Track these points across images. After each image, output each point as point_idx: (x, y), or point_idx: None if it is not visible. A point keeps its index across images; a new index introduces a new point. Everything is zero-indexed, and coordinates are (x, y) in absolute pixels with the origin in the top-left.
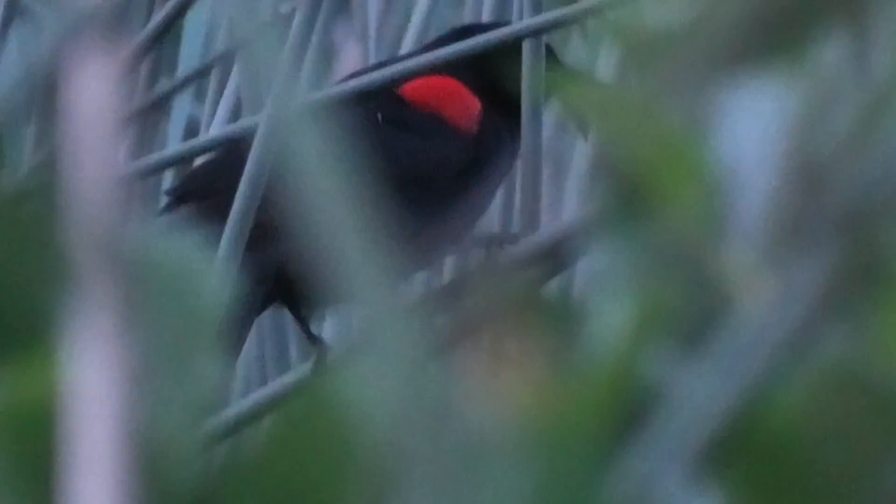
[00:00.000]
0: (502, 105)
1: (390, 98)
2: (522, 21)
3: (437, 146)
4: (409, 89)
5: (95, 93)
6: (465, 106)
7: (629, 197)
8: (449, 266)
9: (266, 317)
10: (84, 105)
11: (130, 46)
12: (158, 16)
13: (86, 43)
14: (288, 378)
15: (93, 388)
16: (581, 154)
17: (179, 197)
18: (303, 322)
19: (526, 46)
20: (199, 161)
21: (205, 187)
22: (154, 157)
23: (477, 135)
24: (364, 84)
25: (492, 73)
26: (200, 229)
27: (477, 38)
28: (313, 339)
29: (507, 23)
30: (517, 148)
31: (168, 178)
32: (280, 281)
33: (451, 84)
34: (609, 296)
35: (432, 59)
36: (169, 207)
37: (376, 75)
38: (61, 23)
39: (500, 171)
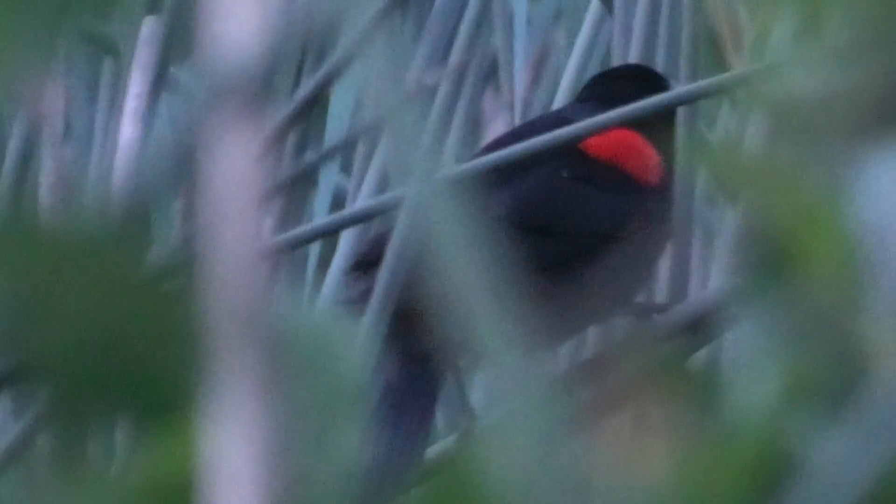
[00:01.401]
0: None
1: (574, 154)
2: (680, 88)
3: (624, 200)
4: (592, 144)
5: (237, 164)
6: (646, 159)
7: (774, 264)
8: (595, 336)
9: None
10: (226, 176)
11: (276, 118)
12: (305, 87)
13: (228, 114)
14: (435, 449)
15: (234, 458)
16: (730, 224)
17: (364, 265)
18: (457, 390)
19: (681, 112)
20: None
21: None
22: (301, 230)
23: (658, 188)
24: (528, 147)
25: (654, 132)
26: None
27: (636, 105)
28: (465, 409)
29: (647, 69)
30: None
31: (315, 250)
32: (432, 352)
33: (632, 137)
34: (753, 364)
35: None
36: (355, 274)
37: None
38: (205, 94)
39: (672, 228)
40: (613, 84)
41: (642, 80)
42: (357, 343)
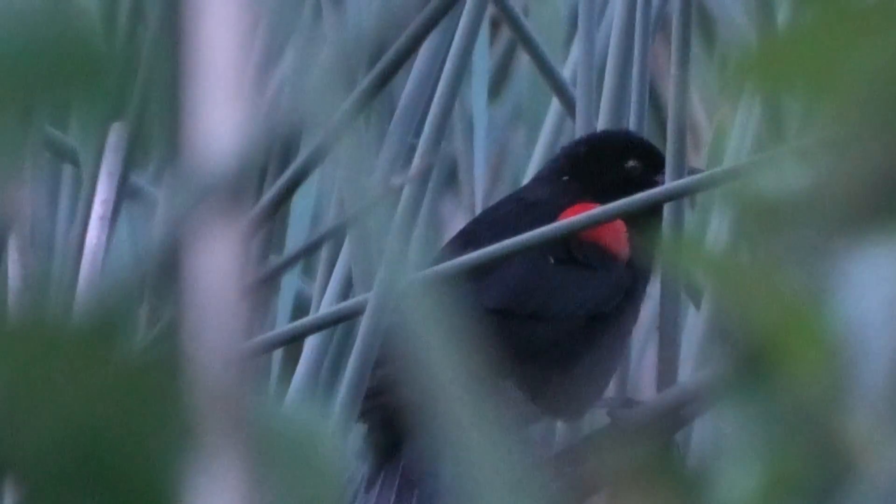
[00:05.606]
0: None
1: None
2: (665, 185)
3: (606, 276)
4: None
5: (222, 261)
6: (616, 229)
7: (751, 361)
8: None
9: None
10: (210, 274)
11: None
12: (268, 194)
13: (212, 214)
14: None
15: None
16: (693, 319)
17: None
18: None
19: (667, 209)
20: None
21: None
22: (263, 338)
23: (630, 260)
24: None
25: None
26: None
27: (623, 201)
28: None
29: (614, 132)
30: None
31: (278, 357)
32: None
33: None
34: (734, 460)
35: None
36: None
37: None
38: (185, 195)
39: (641, 298)
40: (587, 158)
41: (617, 150)
42: (336, 441)
